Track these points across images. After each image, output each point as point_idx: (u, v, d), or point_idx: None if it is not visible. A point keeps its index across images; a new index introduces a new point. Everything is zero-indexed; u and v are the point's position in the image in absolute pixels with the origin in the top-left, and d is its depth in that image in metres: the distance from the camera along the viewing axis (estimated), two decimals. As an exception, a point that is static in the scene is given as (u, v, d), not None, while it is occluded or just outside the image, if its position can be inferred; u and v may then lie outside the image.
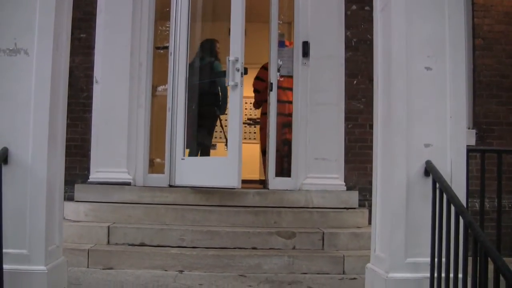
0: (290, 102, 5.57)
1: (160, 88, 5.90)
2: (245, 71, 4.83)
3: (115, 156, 5.19)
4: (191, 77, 5.47)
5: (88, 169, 5.34)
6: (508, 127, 5.73)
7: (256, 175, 7.88)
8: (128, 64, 5.23)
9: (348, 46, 5.59)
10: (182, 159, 5.24)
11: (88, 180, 5.23)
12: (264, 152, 6.38)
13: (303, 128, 5.35)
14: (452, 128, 3.30)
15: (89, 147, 5.37)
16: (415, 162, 3.27)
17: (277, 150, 5.47)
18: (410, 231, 3.23)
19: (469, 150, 3.45)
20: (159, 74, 5.64)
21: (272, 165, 5.37)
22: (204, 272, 4.17)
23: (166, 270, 4.19)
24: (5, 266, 2.95)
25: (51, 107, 3.25)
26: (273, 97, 5.42)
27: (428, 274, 3.12)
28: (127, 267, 4.20)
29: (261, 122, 6.48)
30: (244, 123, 5.17)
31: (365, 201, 5.29)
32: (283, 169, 5.60)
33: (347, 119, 5.53)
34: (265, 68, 6.31)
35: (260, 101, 6.54)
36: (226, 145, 6.21)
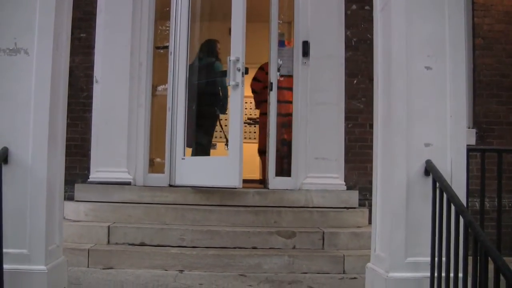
0: (290, 102, 5.57)
1: (160, 87, 5.90)
2: (246, 71, 4.83)
3: (115, 156, 5.19)
4: (191, 77, 5.47)
5: (88, 169, 5.35)
6: (508, 126, 5.73)
7: (256, 175, 7.88)
8: (128, 64, 5.24)
9: (348, 46, 5.59)
10: (182, 158, 5.24)
11: (88, 180, 5.24)
12: (261, 152, 6.39)
13: (303, 127, 5.35)
14: (452, 128, 3.30)
15: (89, 146, 5.37)
16: (415, 161, 3.27)
17: (277, 150, 5.47)
18: (410, 231, 3.23)
19: (469, 150, 3.45)
20: (159, 73, 5.64)
21: (272, 164, 5.36)
22: (204, 272, 4.18)
23: (166, 270, 4.19)
24: (5, 266, 2.95)
25: (51, 107, 3.25)
26: (273, 97, 5.42)
27: (428, 274, 3.12)
28: (127, 266, 4.20)
29: (262, 122, 6.49)
30: (244, 123, 5.17)
31: (365, 200, 5.29)
32: (283, 169, 5.59)
33: (347, 118, 5.54)
34: (262, 68, 6.33)
35: (259, 101, 6.56)
36: (226, 144, 6.22)
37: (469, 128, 5.58)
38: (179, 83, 5.30)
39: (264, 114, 6.33)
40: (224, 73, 5.01)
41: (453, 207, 2.92)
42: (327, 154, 5.31)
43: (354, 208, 5.11)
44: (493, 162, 3.72)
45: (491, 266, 2.47)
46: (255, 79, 6.46)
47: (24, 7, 3.21)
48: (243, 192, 5.02)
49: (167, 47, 5.54)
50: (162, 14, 5.71)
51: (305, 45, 5.38)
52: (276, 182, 5.35)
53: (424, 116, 3.30)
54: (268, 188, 5.31)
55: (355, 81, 5.67)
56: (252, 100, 7.05)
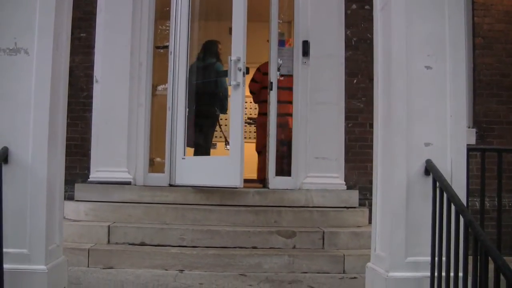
0: (290, 102, 5.57)
1: (160, 87, 5.90)
2: (247, 71, 4.84)
3: (115, 156, 5.19)
4: (192, 77, 5.47)
5: (88, 169, 5.35)
6: (508, 126, 5.73)
7: (256, 174, 7.86)
8: (128, 64, 5.23)
9: (348, 45, 5.59)
10: (182, 158, 5.24)
11: (88, 180, 5.24)
12: (258, 152, 6.40)
13: (303, 127, 5.35)
14: (452, 127, 3.30)
15: (89, 146, 5.37)
16: (415, 161, 3.27)
17: (277, 150, 5.47)
18: (411, 230, 3.23)
19: (469, 149, 3.45)
20: (159, 73, 5.64)
21: (272, 164, 5.36)
22: (204, 272, 4.18)
23: (166, 270, 4.19)
24: (5, 266, 2.95)
25: (51, 107, 3.25)
26: (273, 96, 5.42)
27: (428, 273, 3.12)
28: (127, 266, 4.20)
29: (259, 122, 6.51)
30: (244, 122, 5.20)
31: (365, 200, 5.29)
32: (283, 169, 5.59)
33: (347, 118, 5.54)
34: (258, 69, 6.35)
35: (257, 101, 6.58)
36: (225, 144, 6.23)
37: (469, 127, 5.58)
38: (179, 83, 5.30)
39: (261, 114, 6.35)
40: (225, 73, 5.01)
41: (453, 207, 2.92)
42: (327, 154, 5.31)
43: (354, 207, 5.11)
44: (493, 161, 3.72)
45: (491, 266, 2.47)
46: (252, 80, 6.47)
47: (24, 7, 3.21)
48: (243, 192, 5.02)
49: (167, 46, 5.54)
50: (162, 13, 5.71)
51: (305, 44, 5.38)
52: (276, 181, 5.35)
53: (424, 115, 3.30)
54: (268, 188, 5.31)
55: (355, 81, 5.67)
56: (252, 100, 7.06)
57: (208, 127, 6.11)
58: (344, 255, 4.33)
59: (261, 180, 5.95)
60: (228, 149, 5.88)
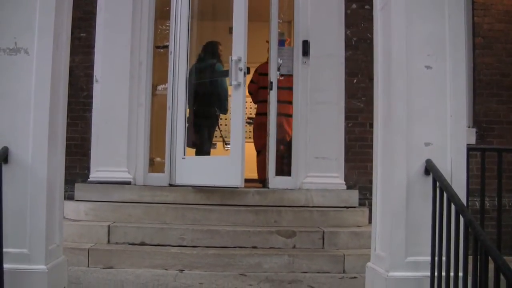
0: (290, 102, 5.57)
1: (160, 87, 5.90)
2: (248, 71, 4.84)
3: (115, 155, 5.19)
4: (192, 78, 5.47)
5: (88, 168, 5.35)
6: (508, 125, 5.73)
7: (256, 174, 7.86)
8: (128, 63, 5.23)
9: (348, 45, 5.59)
10: (182, 158, 5.23)
11: (88, 179, 5.24)
12: (258, 151, 6.40)
13: (303, 127, 5.35)
14: (452, 127, 3.30)
15: (89, 146, 5.37)
16: (415, 161, 3.27)
17: (277, 149, 5.47)
18: (411, 230, 3.23)
19: (469, 149, 3.45)
20: (159, 73, 5.64)
21: (272, 164, 5.36)
22: (204, 271, 4.18)
23: (166, 269, 4.19)
24: (5, 266, 2.95)
25: (51, 106, 3.25)
26: (273, 96, 5.42)
27: (428, 273, 3.12)
28: (127, 266, 4.20)
29: (257, 122, 6.51)
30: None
31: (365, 200, 5.29)
32: (283, 168, 5.59)
33: (347, 118, 5.53)
34: (256, 70, 6.36)
35: (256, 101, 6.59)
36: (224, 144, 6.23)
37: (469, 127, 5.58)
38: (179, 83, 5.30)
39: (259, 114, 6.36)
40: (225, 73, 5.01)
41: (453, 207, 2.92)
42: (327, 154, 5.31)
43: (354, 207, 5.11)
44: (493, 161, 3.72)
45: (491, 266, 2.47)
46: (250, 81, 6.48)
47: (24, 7, 3.21)
48: (243, 192, 5.02)
49: (167, 46, 5.54)
50: (162, 13, 5.71)
51: (305, 44, 5.38)
52: (276, 181, 5.35)
53: (424, 115, 3.30)
54: (268, 188, 5.31)
55: (355, 81, 5.67)
56: (252, 100, 7.06)
57: (209, 127, 6.11)
58: (344, 254, 4.33)
59: (261, 180, 5.96)
60: (227, 149, 5.90)
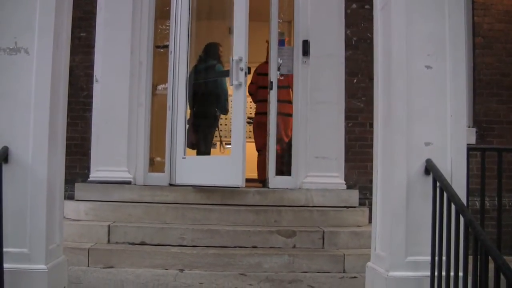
0: (290, 101, 5.57)
1: (160, 87, 5.90)
2: (248, 71, 4.84)
3: (115, 155, 5.19)
4: (193, 78, 5.47)
5: (88, 168, 5.35)
6: (508, 125, 5.73)
7: (256, 174, 7.86)
8: (128, 63, 5.23)
9: (348, 45, 5.59)
10: (182, 158, 5.24)
11: (88, 179, 5.24)
12: (259, 151, 6.40)
13: (303, 126, 5.35)
14: (452, 127, 3.30)
15: (89, 146, 5.37)
16: (415, 160, 3.26)
17: (277, 149, 5.47)
18: (411, 230, 3.23)
19: (470, 149, 3.45)
20: (159, 72, 5.64)
21: (273, 164, 5.36)
22: (204, 271, 4.18)
23: (166, 269, 4.19)
24: (5, 265, 2.95)
25: (51, 106, 3.25)
26: (273, 96, 5.42)
27: (428, 273, 3.12)
28: (127, 266, 4.20)
29: (256, 121, 6.52)
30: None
31: (366, 199, 5.29)
32: (283, 168, 5.59)
33: (347, 117, 5.53)
34: (255, 71, 6.36)
35: (255, 101, 6.59)
36: (220, 145, 6.23)
37: (469, 127, 5.58)
38: (179, 82, 5.30)
39: (258, 113, 6.36)
40: (226, 73, 5.01)
41: (453, 206, 2.92)
42: (327, 153, 5.31)
43: (354, 207, 5.11)
44: (493, 161, 3.72)
45: (491, 265, 2.47)
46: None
47: (24, 6, 3.21)
48: (243, 191, 5.02)
49: (167, 46, 5.54)
50: (162, 13, 5.71)
51: (305, 44, 5.38)
52: (276, 181, 5.35)
53: (424, 115, 3.30)
54: (268, 187, 5.31)
55: (355, 80, 5.67)
56: (252, 100, 7.06)
57: (209, 127, 6.11)
58: (344, 254, 4.33)
59: (261, 179, 5.96)
60: (222, 152, 5.90)
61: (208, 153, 5.93)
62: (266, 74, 5.61)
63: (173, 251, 4.30)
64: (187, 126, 5.35)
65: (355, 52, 5.67)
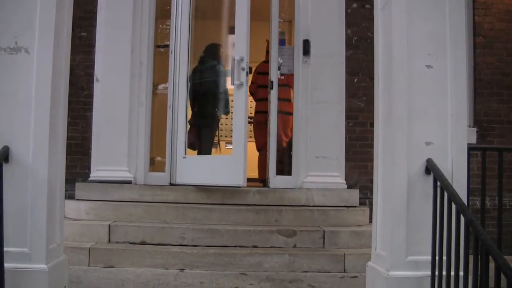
0: (290, 100, 5.57)
1: (160, 86, 5.90)
2: (249, 70, 4.84)
3: (115, 155, 5.19)
4: (193, 79, 5.46)
5: (88, 168, 5.35)
6: (509, 125, 5.72)
7: (256, 173, 7.86)
8: (129, 62, 5.23)
9: (348, 44, 5.59)
10: (183, 157, 5.24)
11: (89, 179, 5.24)
12: (259, 150, 6.40)
13: (303, 126, 5.35)
14: (453, 126, 3.30)
15: (89, 145, 5.37)
16: (416, 160, 3.26)
17: (277, 148, 5.47)
18: (411, 229, 3.23)
19: (470, 148, 3.45)
20: (160, 72, 5.64)
21: (273, 163, 5.36)
22: (205, 271, 4.18)
23: (167, 269, 4.19)
24: (6, 265, 2.95)
25: (52, 106, 3.25)
26: (273, 95, 5.42)
27: (429, 272, 3.12)
28: (128, 265, 4.20)
29: (255, 120, 6.52)
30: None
31: (366, 199, 5.29)
32: (284, 168, 5.59)
33: (347, 117, 5.53)
34: (255, 70, 6.36)
35: (255, 100, 6.59)
36: (218, 146, 6.24)
37: (469, 126, 5.58)
38: (180, 82, 5.30)
39: (258, 112, 6.36)
40: (227, 74, 5.01)
41: (454, 206, 2.92)
42: (327, 153, 5.30)
43: (355, 206, 5.11)
44: (493, 160, 3.71)
45: (491, 265, 2.47)
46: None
47: (25, 6, 3.21)
48: (244, 191, 5.02)
49: (167, 45, 5.54)
50: (163, 12, 5.71)
51: (306, 43, 5.38)
52: (276, 180, 5.35)
53: (425, 114, 3.30)
54: (269, 187, 5.31)
55: (355, 80, 5.67)
56: (253, 99, 7.07)
57: (209, 128, 6.11)
58: (344, 254, 4.33)
59: (262, 179, 5.96)
60: (221, 151, 5.90)
61: (209, 154, 5.92)
62: (265, 73, 5.61)
63: (173, 250, 4.30)
64: (188, 126, 5.35)
65: (355, 52, 5.67)
